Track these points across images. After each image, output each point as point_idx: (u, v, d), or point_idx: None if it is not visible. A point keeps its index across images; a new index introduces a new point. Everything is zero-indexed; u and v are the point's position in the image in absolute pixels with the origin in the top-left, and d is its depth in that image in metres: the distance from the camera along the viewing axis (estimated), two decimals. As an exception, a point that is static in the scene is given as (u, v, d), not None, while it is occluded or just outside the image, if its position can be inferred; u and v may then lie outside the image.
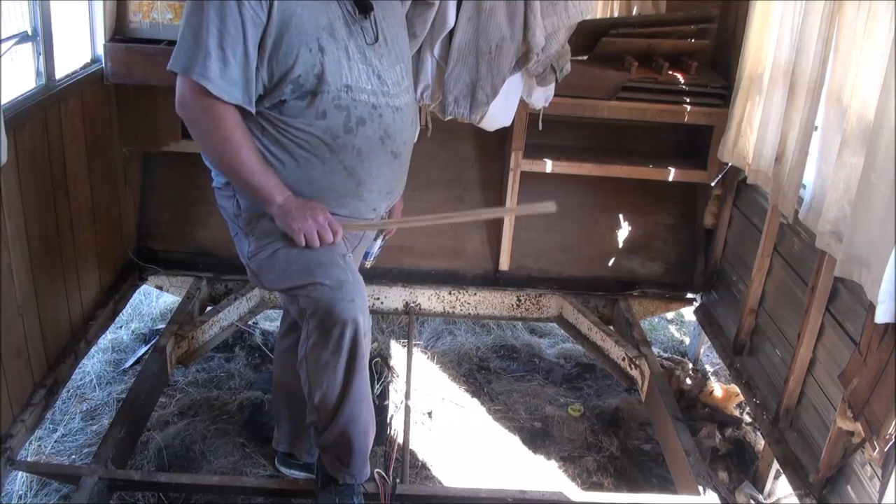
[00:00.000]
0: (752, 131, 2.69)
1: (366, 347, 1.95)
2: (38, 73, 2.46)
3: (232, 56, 1.80)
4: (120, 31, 2.83)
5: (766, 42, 2.59)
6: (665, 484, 2.61)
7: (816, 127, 2.21)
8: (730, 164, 2.90)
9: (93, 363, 3.14)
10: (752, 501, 2.51)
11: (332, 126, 1.92)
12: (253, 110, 1.89)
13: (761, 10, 2.60)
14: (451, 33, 2.56)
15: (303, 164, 1.96)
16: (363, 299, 1.93)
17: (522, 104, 2.85)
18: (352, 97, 1.93)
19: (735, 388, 2.91)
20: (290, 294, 1.99)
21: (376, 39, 1.99)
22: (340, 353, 1.91)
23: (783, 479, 2.41)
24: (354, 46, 1.94)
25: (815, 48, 2.19)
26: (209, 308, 3.15)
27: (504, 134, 3.05)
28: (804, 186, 2.31)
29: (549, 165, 3.11)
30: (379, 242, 2.35)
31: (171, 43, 2.79)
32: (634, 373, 2.90)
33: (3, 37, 2.28)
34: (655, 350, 3.20)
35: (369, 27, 1.98)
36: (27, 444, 2.52)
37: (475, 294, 3.31)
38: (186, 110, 1.87)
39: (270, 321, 3.54)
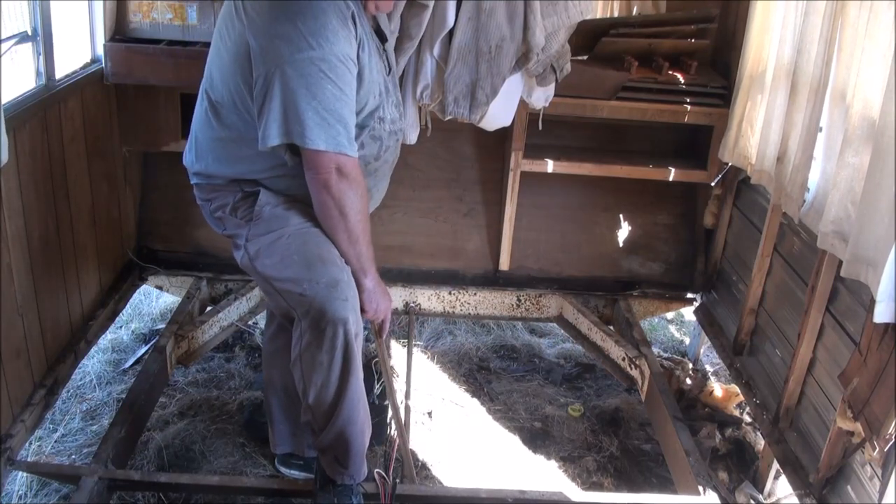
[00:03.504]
0: (754, 131, 2.69)
1: (358, 347, 1.96)
2: (38, 73, 2.46)
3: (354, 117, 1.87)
4: (120, 31, 2.83)
5: (767, 42, 2.59)
6: (665, 484, 2.61)
7: (821, 128, 2.21)
8: (730, 164, 2.90)
9: (93, 363, 3.14)
10: (752, 501, 2.50)
11: (367, 154, 2.02)
12: None
13: (761, 10, 2.60)
14: (451, 33, 2.56)
15: None
16: (356, 298, 1.96)
17: (522, 104, 2.85)
18: (384, 128, 2.03)
19: (735, 388, 2.91)
20: (279, 284, 1.97)
21: (390, 70, 2.09)
22: (335, 352, 1.92)
23: (783, 479, 2.41)
24: (382, 80, 2.02)
25: (816, 48, 2.20)
26: (209, 308, 3.15)
27: (504, 134, 3.05)
28: (808, 189, 2.30)
29: (549, 165, 3.11)
30: None
31: (171, 43, 2.81)
32: (634, 373, 2.89)
33: (3, 37, 2.27)
34: (655, 350, 3.20)
35: (386, 59, 2.07)
36: (27, 444, 2.52)
37: (475, 294, 3.31)
38: (341, 185, 1.84)
39: (270, 321, 3.53)
